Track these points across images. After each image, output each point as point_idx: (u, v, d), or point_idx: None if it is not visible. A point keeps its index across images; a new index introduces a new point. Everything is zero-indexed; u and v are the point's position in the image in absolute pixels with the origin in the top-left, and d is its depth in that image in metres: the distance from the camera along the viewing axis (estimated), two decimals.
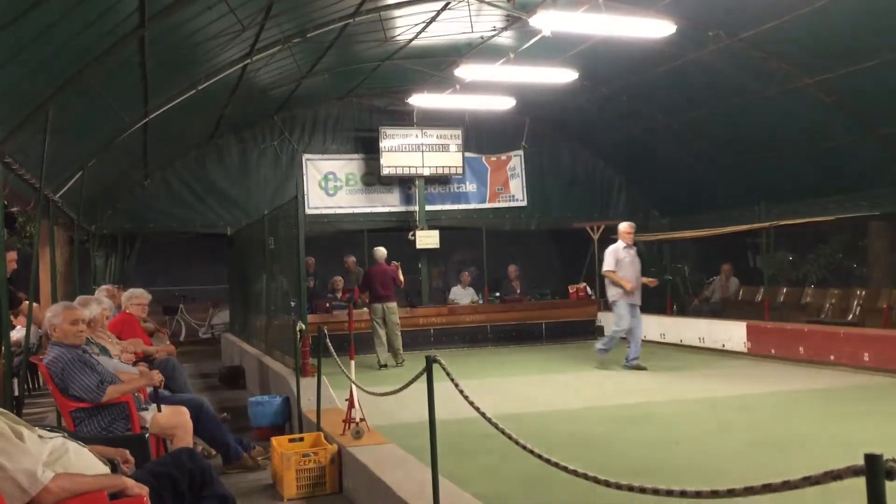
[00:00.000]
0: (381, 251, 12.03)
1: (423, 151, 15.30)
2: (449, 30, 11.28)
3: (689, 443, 6.16)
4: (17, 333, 8.21)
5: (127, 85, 8.77)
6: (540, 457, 3.02)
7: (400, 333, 11.77)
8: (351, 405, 5.95)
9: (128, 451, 3.60)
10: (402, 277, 12.11)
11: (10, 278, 7.02)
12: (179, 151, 14.25)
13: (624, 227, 10.73)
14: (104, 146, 9.96)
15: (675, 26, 8.96)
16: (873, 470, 1.67)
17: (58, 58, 6.74)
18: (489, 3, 10.13)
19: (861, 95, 10.30)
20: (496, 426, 3.35)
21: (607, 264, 10.49)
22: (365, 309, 12.21)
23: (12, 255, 7.09)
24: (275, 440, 6.15)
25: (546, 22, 8.97)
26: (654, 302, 15.46)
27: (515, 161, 16.43)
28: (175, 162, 14.45)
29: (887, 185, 10.84)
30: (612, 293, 10.49)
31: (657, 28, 9.01)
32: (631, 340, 10.35)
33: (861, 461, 1.69)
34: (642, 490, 2.28)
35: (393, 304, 11.79)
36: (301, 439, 6.18)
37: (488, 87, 12.44)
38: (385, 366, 11.38)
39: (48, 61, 6.67)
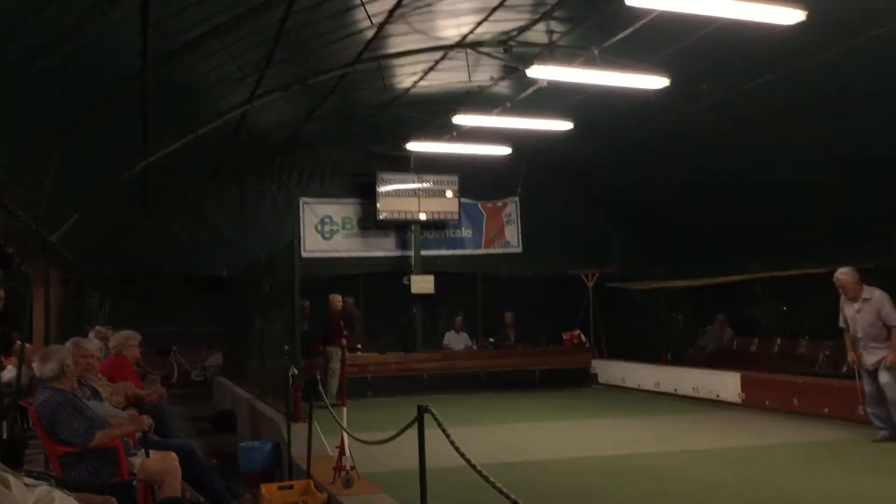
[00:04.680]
0: (339, 297, 12.83)
1: (419, 197, 15.42)
2: (447, 78, 11.45)
3: (683, 496, 6.10)
4: (8, 374, 8.15)
5: (128, 129, 8.86)
6: None
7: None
8: (342, 452, 5.90)
9: (115, 500, 3.56)
10: None
11: (2, 318, 7.02)
12: (178, 194, 14.32)
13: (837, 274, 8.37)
14: (103, 189, 10.02)
15: (668, 80, 9.12)
16: None
17: (60, 103, 6.82)
18: (487, 54, 10.30)
19: (855, 150, 10.41)
20: (487, 479, 3.33)
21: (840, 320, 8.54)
22: (358, 353, 12.41)
23: None
24: (264, 487, 6.09)
25: (543, 73, 9.15)
26: (649, 351, 15.52)
27: (511, 207, 16.54)
28: (173, 204, 14.50)
29: (881, 239, 10.91)
30: None
31: (652, 81, 9.17)
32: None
33: None
34: None
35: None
36: (291, 487, 6.12)
37: (485, 135, 12.59)
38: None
39: (50, 107, 6.76)
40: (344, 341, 12.02)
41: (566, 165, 15.59)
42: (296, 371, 7.73)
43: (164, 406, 7.44)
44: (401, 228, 15.72)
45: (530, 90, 10.52)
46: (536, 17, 9.28)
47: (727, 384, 11.50)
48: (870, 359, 8.11)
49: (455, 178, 15.52)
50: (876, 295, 8.18)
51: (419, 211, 15.37)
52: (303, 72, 9.86)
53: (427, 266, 15.54)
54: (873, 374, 8.11)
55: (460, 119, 11.51)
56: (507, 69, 10.88)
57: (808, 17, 7.01)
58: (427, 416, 3.93)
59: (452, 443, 3.61)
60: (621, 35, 8.68)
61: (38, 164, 7.16)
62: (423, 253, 15.59)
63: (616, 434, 9.27)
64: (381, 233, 15.71)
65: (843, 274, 8.31)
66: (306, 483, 6.08)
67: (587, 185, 16.29)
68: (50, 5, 5.09)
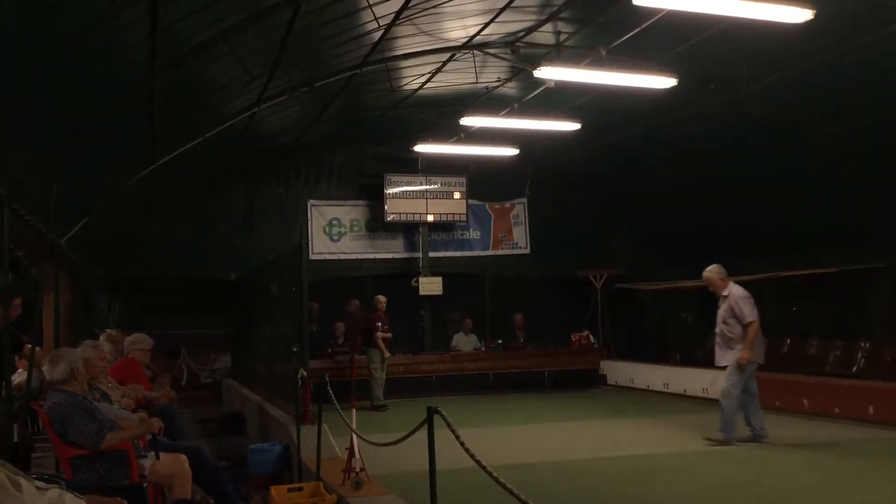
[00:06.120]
0: (383, 299, 12.78)
1: (427, 198, 15.44)
2: (454, 80, 11.45)
3: (693, 497, 6.08)
4: (19, 377, 8.17)
5: (135, 132, 8.89)
6: None
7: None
8: (351, 454, 5.91)
9: (125, 502, 3.57)
10: None
11: (15, 323, 7.06)
12: (186, 197, 14.37)
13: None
14: (111, 192, 10.05)
15: (676, 80, 9.10)
16: None
17: (67, 106, 6.85)
18: (494, 56, 10.30)
19: (865, 148, 10.36)
20: (497, 480, 3.32)
21: None
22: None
23: (16, 301, 7.14)
24: (274, 490, 6.10)
25: (550, 74, 9.14)
26: (657, 352, 15.48)
27: (519, 209, 16.53)
28: (181, 207, 14.55)
29: (889, 237, 10.86)
30: None
31: (659, 81, 9.15)
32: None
33: None
34: None
35: None
36: (300, 489, 6.13)
37: (493, 136, 12.59)
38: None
39: (58, 110, 6.78)
40: (381, 343, 12.19)
41: (574, 166, 15.58)
42: (304, 373, 7.74)
43: (173, 408, 7.45)
44: (409, 230, 15.74)
45: (538, 91, 10.52)
46: (544, 17, 9.27)
47: None
48: (721, 358, 8.13)
49: (463, 180, 15.54)
50: (733, 291, 8.09)
51: (427, 213, 15.39)
52: (310, 74, 9.88)
53: (435, 267, 15.55)
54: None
55: (468, 120, 11.53)
56: (514, 70, 10.88)
57: (817, 15, 6.98)
58: (436, 418, 3.93)
59: (462, 444, 3.60)
60: (629, 35, 8.67)
61: (47, 168, 7.19)
62: (431, 254, 15.60)
63: (625, 435, 9.24)
64: (388, 234, 15.73)
65: (708, 271, 8.35)
66: (316, 485, 6.09)
67: (595, 186, 16.26)
68: (57, 9, 5.11)
